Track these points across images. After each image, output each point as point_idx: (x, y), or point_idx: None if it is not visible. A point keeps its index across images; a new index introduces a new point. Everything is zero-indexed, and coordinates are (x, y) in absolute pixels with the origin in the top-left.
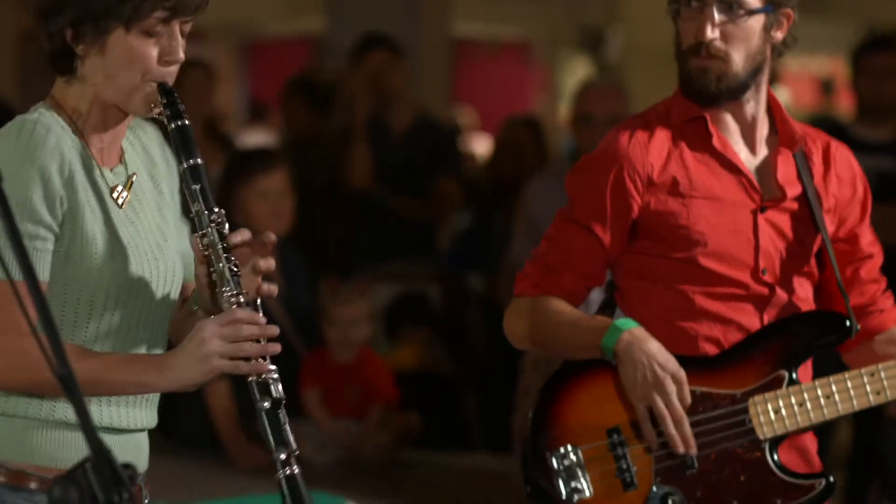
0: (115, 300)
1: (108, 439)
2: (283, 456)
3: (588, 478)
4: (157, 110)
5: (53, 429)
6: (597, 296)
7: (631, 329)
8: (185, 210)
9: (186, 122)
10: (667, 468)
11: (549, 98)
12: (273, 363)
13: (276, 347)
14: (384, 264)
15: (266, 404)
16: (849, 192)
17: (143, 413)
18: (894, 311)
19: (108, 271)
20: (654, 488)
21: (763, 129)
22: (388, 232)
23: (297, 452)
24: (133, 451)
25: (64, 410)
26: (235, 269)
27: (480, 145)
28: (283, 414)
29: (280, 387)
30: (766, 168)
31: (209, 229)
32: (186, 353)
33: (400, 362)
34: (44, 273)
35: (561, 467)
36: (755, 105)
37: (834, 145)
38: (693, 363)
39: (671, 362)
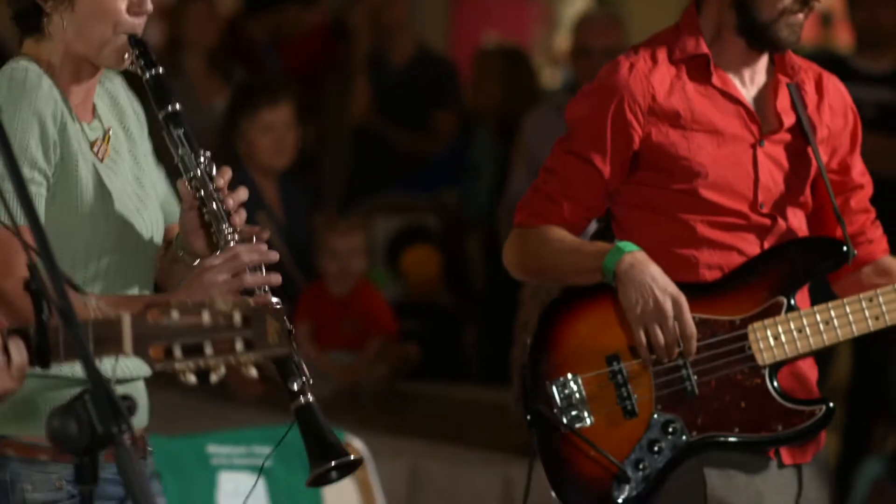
0: (102, 249)
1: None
2: (295, 386)
3: (589, 406)
4: (129, 61)
5: (60, 395)
6: (591, 227)
7: (633, 251)
8: (158, 156)
9: (160, 70)
10: (667, 395)
11: (548, 30)
12: (274, 296)
13: (277, 278)
14: (382, 196)
15: None
16: (840, 123)
17: (139, 361)
18: (883, 240)
19: (96, 220)
20: (655, 416)
21: (762, 60)
22: (387, 164)
23: (311, 381)
24: (139, 402)
25: (70, 370)
26: (227, 208)
27: None
28: (294, 343)
29: (287, 318)
30: (764, 99)
31: (198, 171)
32: (189, 291)
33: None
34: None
35: (561, 396)
36: None
37: (826, 76)
38: (692, 289)
39: (672, 286)
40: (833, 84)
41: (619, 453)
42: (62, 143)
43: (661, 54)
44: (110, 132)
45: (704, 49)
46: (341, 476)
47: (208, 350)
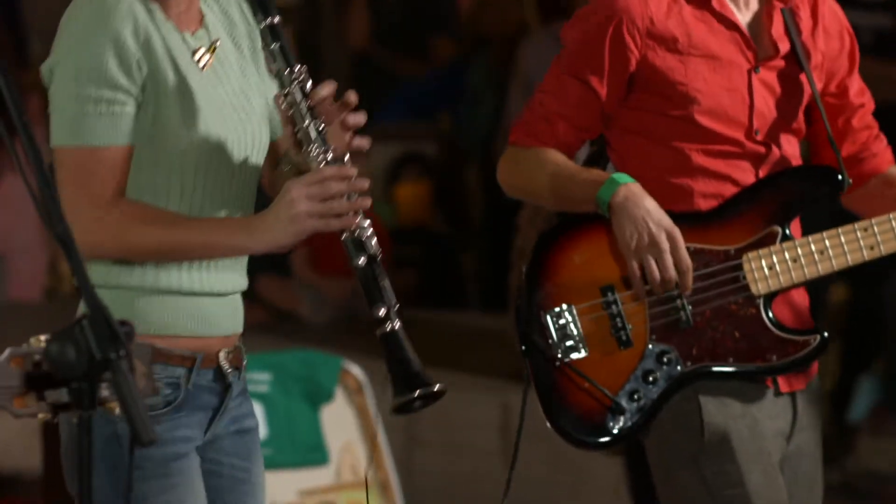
0: (200, 163)
1: (210, 303)
2: (381, 312)
3: (583, 336)
4: None
5: (162, 296)
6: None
7: (628, 183)
8: (270, 68)
9: None
10: (662, 326)
11: None
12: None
13: (367, 202)
14: (379, 124)
15: (361, 261)
16: (837, 46)
17: (237, 276)
18: (888, 152)
19: (192, 133)
20: (650, 346)
21: None
22: (385, 91)
23: (398, 307)
24: (232, 313)
25: (168, 278)
26: (321, 127)
27: None
28: (379, 269)
29: (375, 241)
30: (759, 24)
31: (291, 87)
32: (275, 214)
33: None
34: (122, 137)
35: (556, 326)
36: None
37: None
38: (686, 219)
39: (666, 219)
40: (829, 7)
41: (614, 384)
42: (148, 59)
43: None
44: (217, 43)
45: None
46: (424, 406)
47: (64, 398)
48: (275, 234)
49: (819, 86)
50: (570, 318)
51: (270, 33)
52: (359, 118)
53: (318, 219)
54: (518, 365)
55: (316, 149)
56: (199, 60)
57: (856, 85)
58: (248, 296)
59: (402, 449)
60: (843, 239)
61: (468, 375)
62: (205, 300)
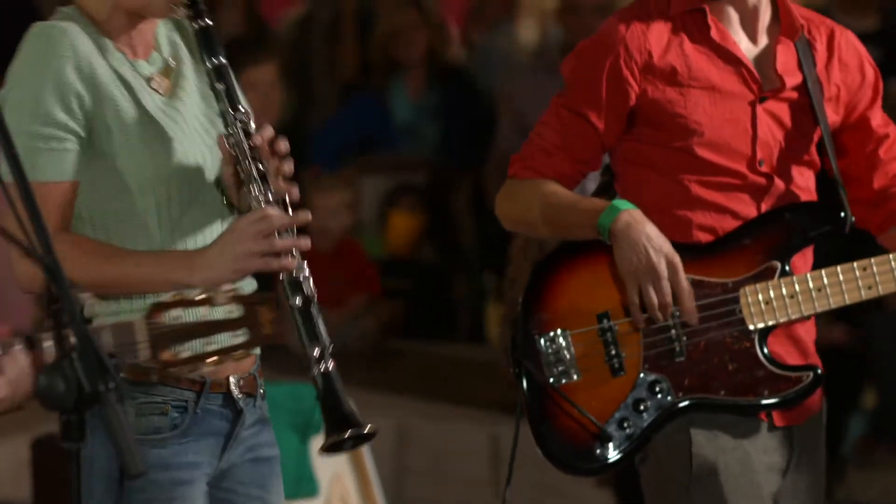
0: (168, 185)
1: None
2: (316, 352)
3: (576, 363)
4: (179, 11)
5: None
6: (594, 177)
7: (629, 210)
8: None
9: (209, 21)
10: (655, 355)
11: None
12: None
13: (307, 242)
14: (370, 154)
15: (298, 301)
16: (857, 78)
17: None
18: None
19: (156, 158)
20: (642, 375)
21: (765, 17)
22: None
23: (331, 347)
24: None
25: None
26: (262, 168)
27: None
28: (315, 310)
29: (311, 283)
30: (767, 57)
31: (234, 129)
32: (219, 250)
33: (394, 236)
34: (66, 173)
35: (549, 351)
36: None
37: (838, 31)
38: (687, 250)
39: (667, 246)
40: (846, 39)
41: (605, 411)
42: (94, 92)
43: (659, 10)
44: (172, 64)
45: (700, 3)
46: (354, 446)
47: (211, 347)
48: (216, 271)
49: (837, 118)
50: (563, 343)
51: (216, 74)
52: (290, 166)
53: (258, 258)
54: (507, 395)
55: (256, 188)
56: (154, 86)
57: (878, 117)
58: None
59: (392, 478)
60: (841, 277)
61: (457, 406)
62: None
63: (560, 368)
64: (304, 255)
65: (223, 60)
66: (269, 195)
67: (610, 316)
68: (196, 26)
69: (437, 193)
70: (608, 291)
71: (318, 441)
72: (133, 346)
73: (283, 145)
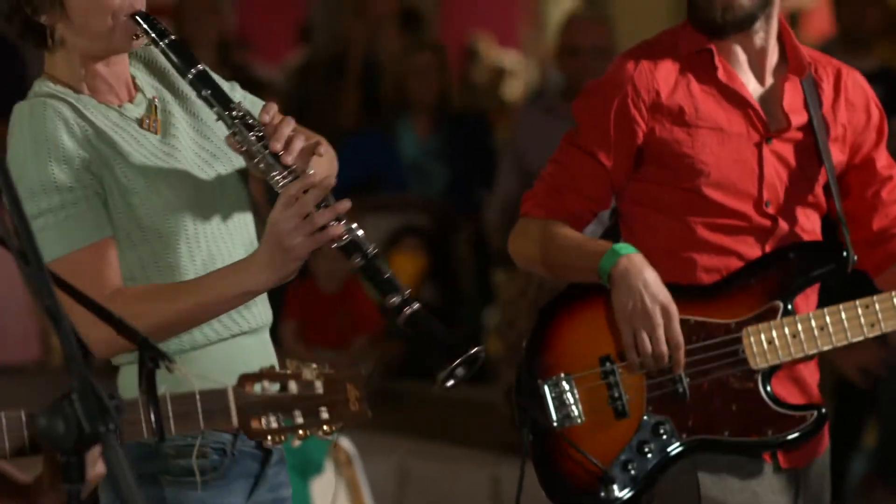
0: (185, 219)
1: (248, 343)
2: (395, 300)
3: (580, 405)
4: (141, 40)
5: (197, 351)
6: (606, 218)
7: (629, 254)
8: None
9: (173, 36)
10: (659, 397)
11: (537, 30)
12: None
13: (346, 204)
14: (373, 195)
15: (359, 260)
16: (863, 118)
17: (263, 308)
18: None
19: (165, 197)
20: (646, 417)
21: (772, 58)
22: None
23: (409, 291)
24: (267, 350)
25: (200, 329)
26: (275, 150)
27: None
28: (381, 262)
29: (365, 239)
30: (773, 96)
31: (235, 126)
32: (267, 249)
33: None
34: (92, 234)
35: (553, 394)
36: (764, 35)
37: (845, 71)
38: (690, 292)
39: (663, 293)
40: (853, 79)
41: (609, 453)
42: (91, 150)
43: (667, 50)
44: (156, 101)
45: (707, 43)
46: (467, 373)
47: (298, 420)
48: (276, 268)
49: (842, 158)
50: (567, 387)
51: (199, 82)
52: (300, 141)
53: (305, 237)
54: (507, 436)
55: (276, 173)
56: (146, 127)
57: (883, 158)
58: None
59: None
60: (843, 315)
61: (458, 447)
62: (240, 341)
63: (564, 412)
64: (307, 297)
65: (200, 67)
66: (289, 175)
67: (612, 359)
68: (163, 44)
69: (439, 235)
70: (610, 334)
71: (318, 481)
72: (225, 412)
73: (288, 123)
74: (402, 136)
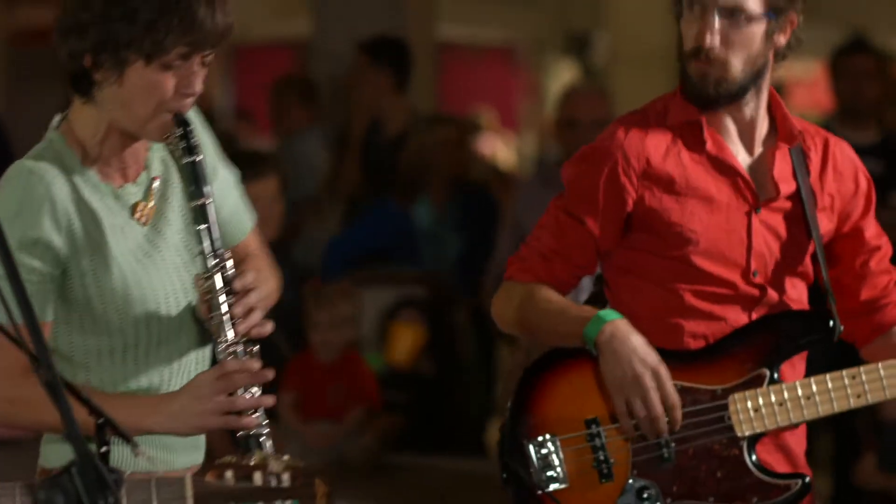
0: (134, 329)
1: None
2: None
3: (565, 468)
4: (171, 139)
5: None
6: (587, 283)
7: (614, 321)
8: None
9: (199, 157)
10: (644, 461)
11: (535, 102)
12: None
13: (270, 400)
14: (369, 267)
15: (251, 455)
16: (851, 187)
17: (195, 454)
18: None
19: (124, 305)
20: (631, 481)
21: (762, 128)
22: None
23: None
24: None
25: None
26: (233, 315)
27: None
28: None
29: (270, 442)
30: (763, 165)
31: (211, 273)
32: (183, 404)
33: (395, 349)
34: (43, 315)
35: (538, 456)
36: (755, 107)
37: (833, 141)
38: (676, 357)
39: (651, 357)
40: (841, 149)
41: None
42: (69, 239)
43: (658, 119)
44: (156, 183)
45: (697, 115)
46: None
47: None
48: (181, 423)
49: (831, 226)
50: (552, 449)
51: (200, 213)
52: (259, 315)
53: (219, 416)
54: None
55: (223, 341)
56: (137, 215)
57: (871, 228)
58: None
59: None
60: (830, 385)
61: None
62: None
63: (548, 473)
64: (304, 368)
65: (209, 200)
66: (237, 347)
67: (598, 422)
68: (186, 161)
69: (437, 306)
70: (596, 397)
71: None
72: (181, 501)
73: (254, 295)
74: (419, 206)
